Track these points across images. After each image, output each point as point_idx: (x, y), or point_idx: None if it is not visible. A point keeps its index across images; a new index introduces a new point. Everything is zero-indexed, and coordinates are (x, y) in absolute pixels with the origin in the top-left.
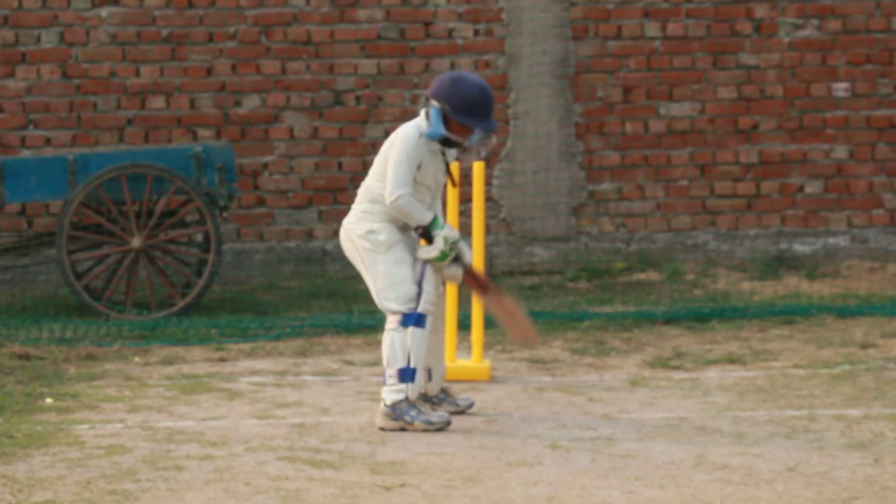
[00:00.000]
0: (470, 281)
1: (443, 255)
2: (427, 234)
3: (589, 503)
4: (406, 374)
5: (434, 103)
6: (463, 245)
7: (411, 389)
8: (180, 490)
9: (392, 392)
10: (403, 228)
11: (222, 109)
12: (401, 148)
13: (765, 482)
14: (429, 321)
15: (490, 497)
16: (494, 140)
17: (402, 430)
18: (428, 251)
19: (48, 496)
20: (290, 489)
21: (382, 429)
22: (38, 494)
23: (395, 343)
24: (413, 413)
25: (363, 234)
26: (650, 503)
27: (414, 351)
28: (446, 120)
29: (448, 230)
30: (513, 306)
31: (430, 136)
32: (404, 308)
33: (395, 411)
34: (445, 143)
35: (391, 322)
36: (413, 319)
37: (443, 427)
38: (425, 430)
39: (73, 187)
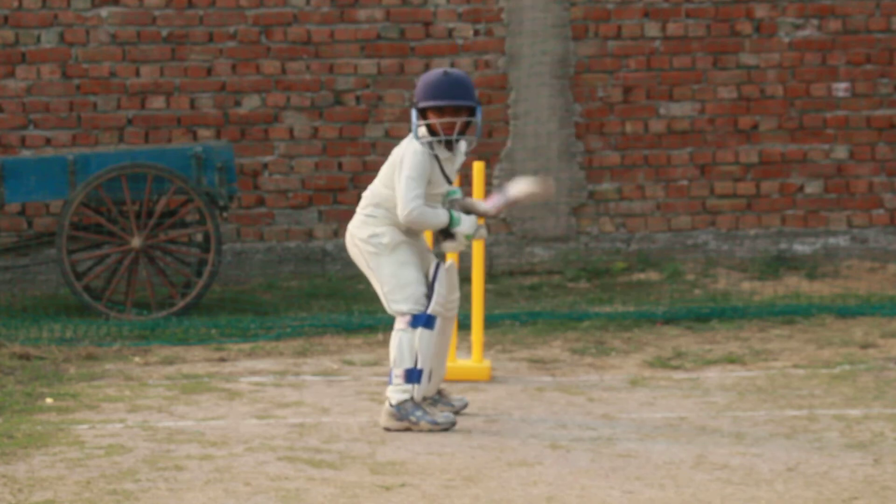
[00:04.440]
0: (497, 212)
1: (468, 238)
2: (449, 234)
3: (589, 503)
4: (412, 375)
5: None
6: (474, 216)
7: (417, 390)
8: (180, 490)
9: (398, 392)
10: (407, 231)
11: (222, 109)
12: (411, 164)
13: (765, 482)
14: (438, 323)
15: (490, 497)
16: (476, 129)
17: (408, 430)
18: (455, 246)
19: (48, 496)
20: (290, 489)
21: (387, 429)
22: (38, 494)
23: (402, 344)
24: (419, 413)
25: (366, 239)
26: (650, 503)
27: (422, 352)
28: (424, 115)
29: (465, 225)
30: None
31: (415, 136)
32: (413, 309)
33: (400, 411)
34: (441, 142)
35: (400, 322)
36: (422, 320)
37: (448, 427)
38: (430, 431)
39: (73, 187)
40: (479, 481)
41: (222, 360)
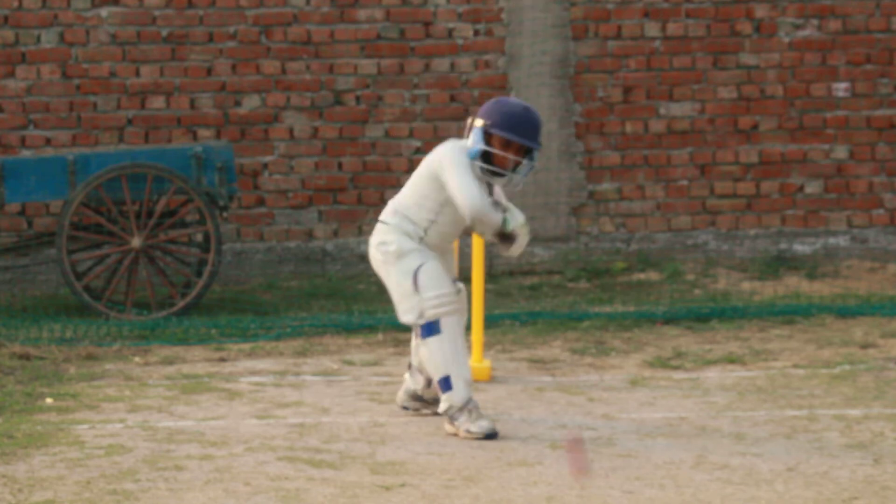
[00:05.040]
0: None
1: (525, 225)
2: (505, 237)
3: (589, 503)
4: (443, 384)
5: (477, 122)
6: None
7: (454, 397)
8: (180, 490)
9: (443, 402)
10: (420, 241)
11: (222, 109)
12: (454, 163)
13: (765, 482)
14: (446, 322)
15: (490, 497)
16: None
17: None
18: (520, 244)
19: (48, 496)
20: (290, 489)
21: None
22: (38, 494)
23: (424, 357)
24: (461, 419)
25: (376, 246)
26: (650, 503)
27: (440, 359)
28: (488, 138)
29: (518, 215)
30: None
31: (470, 155)
32: (419, 319)
33: (450, 418)
34: (490, 170)
35: (417, 334)
36: (427, 330)
37: (484, 437)
38: (466, 438)
39: (73, 187)
40: (479, 481)
41: (222, 360)
